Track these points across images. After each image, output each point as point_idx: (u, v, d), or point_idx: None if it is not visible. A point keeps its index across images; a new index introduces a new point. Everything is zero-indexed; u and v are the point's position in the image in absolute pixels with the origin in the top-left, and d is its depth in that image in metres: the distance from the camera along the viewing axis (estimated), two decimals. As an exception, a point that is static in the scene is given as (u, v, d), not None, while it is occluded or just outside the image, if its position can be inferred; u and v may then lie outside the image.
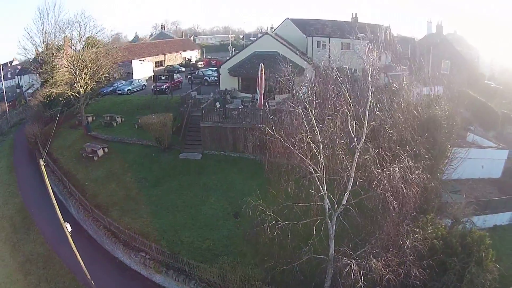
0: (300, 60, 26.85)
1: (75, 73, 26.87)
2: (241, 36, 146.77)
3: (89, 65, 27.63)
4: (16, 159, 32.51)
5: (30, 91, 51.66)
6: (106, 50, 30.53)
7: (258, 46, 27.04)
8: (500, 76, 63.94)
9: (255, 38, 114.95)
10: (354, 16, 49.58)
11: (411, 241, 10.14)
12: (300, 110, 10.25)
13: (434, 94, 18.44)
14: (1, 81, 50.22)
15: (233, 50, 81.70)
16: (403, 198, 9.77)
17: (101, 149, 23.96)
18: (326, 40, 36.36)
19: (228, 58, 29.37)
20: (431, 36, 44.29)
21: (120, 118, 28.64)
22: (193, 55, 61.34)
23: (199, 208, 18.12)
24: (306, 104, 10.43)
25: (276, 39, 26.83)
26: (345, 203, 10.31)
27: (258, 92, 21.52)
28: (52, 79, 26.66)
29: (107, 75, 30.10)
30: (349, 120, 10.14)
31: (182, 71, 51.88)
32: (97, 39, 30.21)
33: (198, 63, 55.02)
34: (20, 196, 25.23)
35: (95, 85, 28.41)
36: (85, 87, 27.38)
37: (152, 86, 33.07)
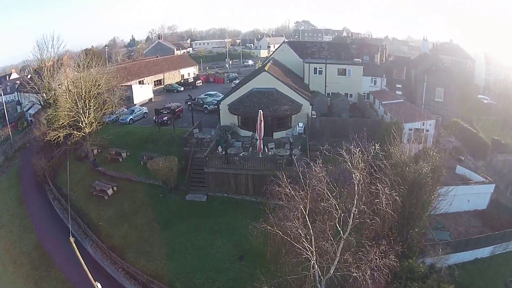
0: (297, 96, 29.71)
1: (80, 111, 29.31)
2: (238, 41, 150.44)
3: (93, 102, 30.24)
4: (24, 189, 35.19)
5: (32, 111, 54.34)
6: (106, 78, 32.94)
7: (256, 83, 29.86)
8: (494, 88, 67.26)
9: (251, 44, 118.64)
10: (350, 35, 52.61)
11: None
12: (298, 225, 12.93)
13: (424, 144, 20.99)
14: (3, 103, 52.69)
15: (230, 62, 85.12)
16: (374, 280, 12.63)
17: (110, 188, 26.87)
18: (323, 66, 39.40)
19: (228, 93, 32.05)
20: (426, 57, 47.05)
21: (125, 153, 31.52)
22: (191, 71, 64.24)
23: (207, 251, 21.04)
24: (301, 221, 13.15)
25: (274, 76, 29.62)
26: (331, 273, 13.17)
27: (257, 136, 24.47)
28: (57, 122, 28.81)
29: (111, 110, 32.90)
30: (337, 220, 13.01)
31: (181, 90, 54.91)
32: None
33: (197, 81, 57.90)
34: (35, 232, 28.03)
35: (99, 122, 30.79)
36: (90, 126, 29.91)
37: (154, 118, 35.94)
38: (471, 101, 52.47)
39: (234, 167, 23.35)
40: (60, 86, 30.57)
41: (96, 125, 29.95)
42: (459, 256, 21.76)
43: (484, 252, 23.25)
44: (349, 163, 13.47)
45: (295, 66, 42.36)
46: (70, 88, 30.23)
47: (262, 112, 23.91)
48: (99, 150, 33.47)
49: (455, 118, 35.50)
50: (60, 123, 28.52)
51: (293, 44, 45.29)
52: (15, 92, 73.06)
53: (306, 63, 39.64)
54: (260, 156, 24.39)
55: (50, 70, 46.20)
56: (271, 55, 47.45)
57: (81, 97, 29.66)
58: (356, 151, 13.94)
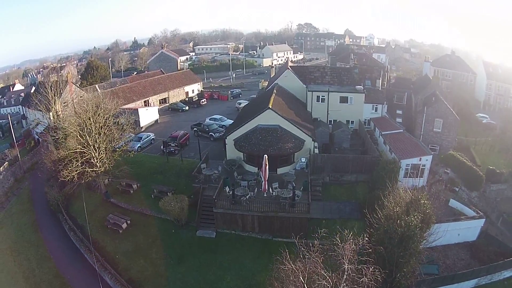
0: (300, 132, 32.73)
1: (91, 148, 31.50)
2: (240, 46, 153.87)
3: (102, 136, 32.35)
4: (37, 216, 38.06)
5: (38, 130, 57.45)
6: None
7: (261, 120, 32.81)
8: (494, 103, 70.23)
9: (254, 52, 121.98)
10: (353, 58, 55.78)
11: None
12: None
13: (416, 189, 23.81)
14: (9, 122, 55.61)
15: (234, 75, 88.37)
16: None
17: (125, 222, 29.99)
18: (325, 94, 42.45)
19: (234, 128, 34.91)
20: (427, 82, 49.85)
21: (136, 184, 34.62)
22: (195, 88, 67.44)
23: (218, 286, 24.10)
24: None
25: (278, 114, 32.63)
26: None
27: (262, 178, 27.59)
28: (69, 167, 30.51)
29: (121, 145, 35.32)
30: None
31: (186, 110, 58.15)
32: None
33: (201, 100, 61.13)
34: (53, 261, 31.01)
35: (110, 160, 32.80)
36: (103, 164, 32.22)
37: (162, 147, 39.04)
38: (470, 120, 55.44)
39: (241, 208, 26.46)
40: (68, 125, 32.42)
41: (108, 164, 32.31)
42: (445, 288, 24.86)
43: (468, 285, 26.33)
44: (341, 252, 16.38)
45: (298, 92, 45.36)
46: (78, 129, 31.66)
47: (267, 157, 26.95)
48: (109, 180, 36.51)
49: (452, 149, 38.48)
50: (72, 165, 30.29)
51: (296, 69, 48.16)
52: (20, 106, 76.40)
53: (309, 91, 42.59)
54: (265, 195, 27.51)
55: (53, 88, 49.13)
56: (274, 78, 50.57)
57: (91, 133, 31.67)
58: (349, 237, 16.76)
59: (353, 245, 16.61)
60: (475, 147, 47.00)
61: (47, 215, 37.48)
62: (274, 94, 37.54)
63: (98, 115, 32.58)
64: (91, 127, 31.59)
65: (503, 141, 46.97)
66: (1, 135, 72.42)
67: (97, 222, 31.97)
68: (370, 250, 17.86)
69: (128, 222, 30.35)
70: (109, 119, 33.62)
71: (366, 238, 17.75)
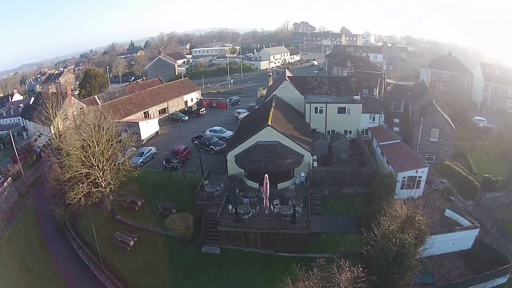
0: (299, 148, 34.36)
1: (95, 168, 32.94)
2: (237, 48, 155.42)
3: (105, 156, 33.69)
4: (44, 232, 39.65)
5: (40, 143, 58.94)
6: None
7: (261, 136, 34.39)
8: (491, 104, 71.90)
9: (251, 54, 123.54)
10: (350, 67, 57.41)
11: None
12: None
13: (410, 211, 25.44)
14: (11, 137, 57.07)
15: (232, 81, 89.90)
16: None
17: (132, 240, 31.65)
18: (323, 105, 44.04)
19: (234, 144, 36.40)
20: (424, 89, 51.39)
21: (140, 201, 36.24)
22: (194, 96, 69.05)
23: (223, 301, 25.95)
24: None
25: (277, 130, 34.23)
26: None
27: (264, 196, 29.30)
28: (74, 188, 32.04)
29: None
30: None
31: (186, 120, 59.78)
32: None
33: (200, 110, 62.80)
34: (63, 278, 32.58)
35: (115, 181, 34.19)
36: (108, 185, 33.69)
37: (164, 163, 40.68)
38: (467, 125, 57.05)
39: (243, 225, 28.16)
40: (72, 148, 33.61)
41: (114, 184, 33.79)
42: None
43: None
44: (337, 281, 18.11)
45: (296, 103, 47.00)
46: (82, 151, 33.05)
47: (267, 176, 28.62)
48: (114, 195, 38.07)
49: (448, 158, 40.12)
50: (79, 187, 31.77)
51: (294, 80, 49.69)
52: (20, 118, 77.80)
53: (307, 103, 44.15)
54: (267, 212, 29.23)
55: (53, 101, 50.59)
56: (272, 87, 52.17)
57: (94, 155, 33.00)
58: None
59: (349, 273, 18.28)
60: (472, 152, 48.62)
61: (54, 232, 38.96)
62: (273, 108, 39.10)
63: (101, 136, 34.01)
64: (95, 149, 33.06)
65: (499, 147, 48.37)
66: (2, 147, 73.91)
67: (104, 239, 33.54)
68: (364, 279, 19.44)
69: (135, 239, 31.99)
70: (111, 138, 35.11)
71: (361, 269, 19.22)
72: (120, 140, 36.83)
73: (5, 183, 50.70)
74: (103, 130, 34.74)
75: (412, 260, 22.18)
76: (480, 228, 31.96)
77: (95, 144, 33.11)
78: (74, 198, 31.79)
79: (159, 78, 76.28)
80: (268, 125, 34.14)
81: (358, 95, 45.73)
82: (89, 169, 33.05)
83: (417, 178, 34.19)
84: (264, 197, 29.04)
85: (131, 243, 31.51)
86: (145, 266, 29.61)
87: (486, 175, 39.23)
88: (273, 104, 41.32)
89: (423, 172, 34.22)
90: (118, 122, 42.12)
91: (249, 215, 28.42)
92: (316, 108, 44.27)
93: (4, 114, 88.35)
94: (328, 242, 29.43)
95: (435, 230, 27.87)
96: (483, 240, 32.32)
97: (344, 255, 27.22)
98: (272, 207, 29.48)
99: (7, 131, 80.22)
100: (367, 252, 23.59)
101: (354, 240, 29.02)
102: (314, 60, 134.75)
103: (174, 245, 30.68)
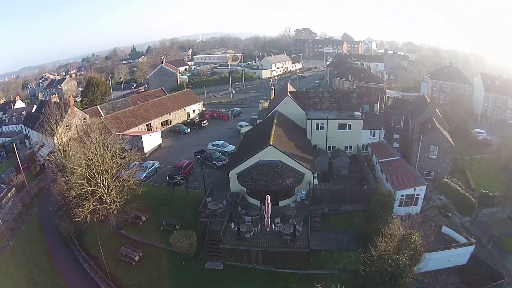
0: (300, 167, 35.77)
1: (101, 185, 34.04)
2: (239, 55, 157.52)
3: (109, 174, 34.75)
4: (49, 244, 40.96)
5: (43, 153, 60.41)
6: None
7: (263, 155, 35.78)
8: (491, 115, 73.25)
9: (253, 62, 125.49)
10: (351, 82, 58.91)
11: None
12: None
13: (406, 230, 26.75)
14: (14, 149, 58.57)
15: (233, 91, 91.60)
16: None
17: (137, 255, 33.04)
18: (325, 122, 45.49)
19: (236, 163, 37.76)
20: (424, 104, 52.82)
21: (144, 216, 37.63)
22: (196, 108, 70.65)
23: (226, 317, 27.28)
24: None
25: (278, 150, 35.66)
26: None
27: (265, 215, 30.74)
28: (80, 206, 32.95)
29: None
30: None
31: (188, 132, 61.31)
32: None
33: (202, 122, 64.39)
34: (70, 291, 34.14)
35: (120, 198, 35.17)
36: (113, 202, 34.84)
37: (167, 178, 42.16)
38: (466, 138, 58.31)
39: (246, 243, 29.58)
40: (76, 167, 34.04)
41: (119, 202, 34.93)
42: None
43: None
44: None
45: (298, 118, 48.46)
46: (86, 168, 34.07)
47: (269, 197, 30.08)
48: (118, 210, 39.41)
49: (447, 174, 41.51)
50: (84, 205, 32.71)
51: (295, 95, 51.12)
52: (22, 125, 79.52)
53: (308, 119, 45.58)
54: (268, 230, 30.65)
55: (55, 112, 51.95)
56: (274, 101, 53.61)
57: (100, 173, 34.11)
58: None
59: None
60: (471, 167, 49.90)
61: (59, 244, 40.21)
62: (274, 126, 40.53)
63: (105, 154, 35.18)
64: (100, 168, 34.29)
65: (498, 161, 49.54)
66: (4, 155, 75.53)
67: (110, 254, 34.84)
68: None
69: (140, 254, 33.35)
70: (116, 155, 36.48)
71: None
72: (125, 156, 38.19)
73: (9, 194, 52.26)
74: (107, 148, 36.08)
75: (407, 279, 23.52)
76: (475, 244, 33.27)
77: (100, 162, 34.41)
78: (80, 215, 32.89)
79: (162, 89, 77.91)
80: (270, 145, 35.52)
81: (359, 111, 47.13)
82: (94, 187, 34.28)
83: (415, 196, 35.52)
84: (266, 216, 30.46)
85: (136, 258, 32.86)
86: (150, 281, 30.94)
87: (484, 191, 40.49)
88: (275, 121, 42.72)
89: (421, 190, 35.53)
90: (122, 136, 43.56)
91: (251, 233, 29.80)
92: (317, 125, 45.65)
93: (7, 121, 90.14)
94: (327, 259, 30.77)
95: (431, 248, 29.16)
96: (479, 256, 33.54)
97: (342, 271, 28.81)
98: (273, 225, 30.88)
99: (10, 138, 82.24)
100: (364, 271, 24.95)
101: (352, 257, 30.35)
102: (316, 68, 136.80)
103: (178, 260, 32.03)
